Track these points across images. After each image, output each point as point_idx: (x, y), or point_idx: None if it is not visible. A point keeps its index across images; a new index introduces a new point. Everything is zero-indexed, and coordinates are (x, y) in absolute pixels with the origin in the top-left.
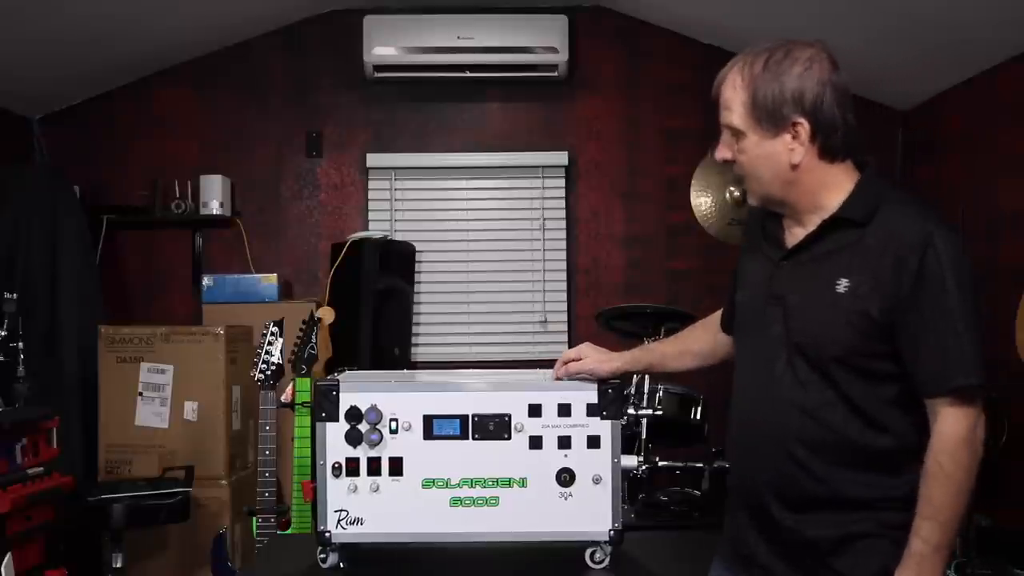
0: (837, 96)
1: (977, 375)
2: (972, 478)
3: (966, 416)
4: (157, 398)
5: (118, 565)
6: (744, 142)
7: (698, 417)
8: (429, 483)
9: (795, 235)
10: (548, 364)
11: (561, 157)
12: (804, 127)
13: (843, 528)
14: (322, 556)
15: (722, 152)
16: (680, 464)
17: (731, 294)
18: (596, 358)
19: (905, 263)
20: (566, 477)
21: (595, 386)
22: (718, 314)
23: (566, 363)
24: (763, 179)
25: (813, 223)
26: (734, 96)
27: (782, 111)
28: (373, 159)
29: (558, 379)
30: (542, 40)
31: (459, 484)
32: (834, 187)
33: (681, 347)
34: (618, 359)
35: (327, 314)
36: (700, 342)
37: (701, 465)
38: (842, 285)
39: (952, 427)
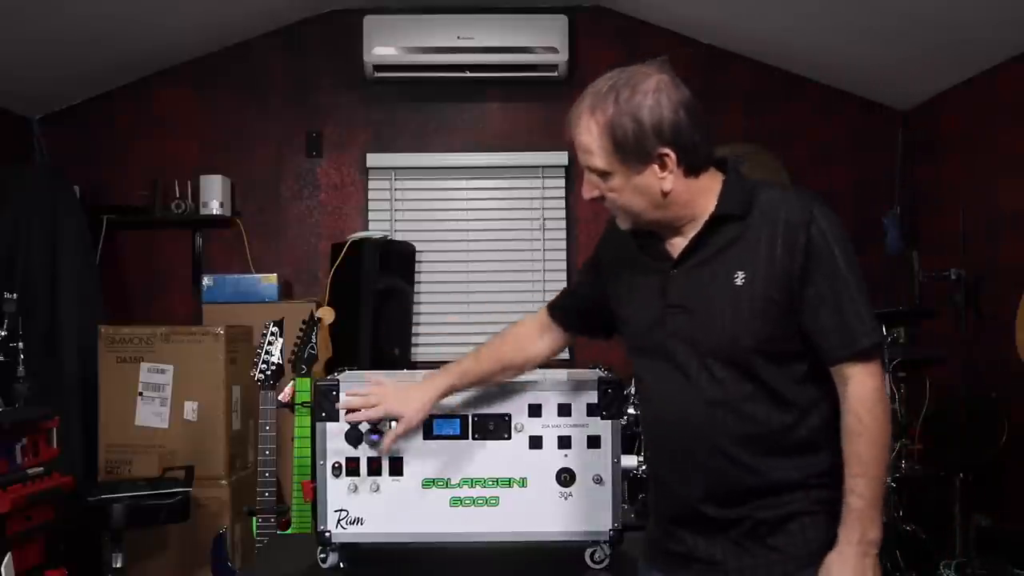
0: (691, 115)
1: (877, 333)
2: (889, 431)
3: (873, 373)
4: (157, 398)
5: (118, 565)
6: (612, 181)
7: None
8: (429, 483)
9: (676, 244)
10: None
11: (561, 157)
12: (670, 156)
13: (780, 509)
14: (322, 556)
15: (589, 192)
16: None
17: (578, 301)
18: (411, 417)
19: (793, 242)
20: (566, 477)
21: (595, 386)
22: (532, 319)
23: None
24: (635, 209)
25: (693, 230)
26: (591, 140)
27: (645, 146)
28: (373, 159)
29: (387, 451)
30: (542, 40)
31: (459, 484)
32: (704, 194)
33: (500, 365)
34: (429, 398)
35: (327, 314)
36: (516, 354)
37: None
38: (739, 278)
39: (864, 385)
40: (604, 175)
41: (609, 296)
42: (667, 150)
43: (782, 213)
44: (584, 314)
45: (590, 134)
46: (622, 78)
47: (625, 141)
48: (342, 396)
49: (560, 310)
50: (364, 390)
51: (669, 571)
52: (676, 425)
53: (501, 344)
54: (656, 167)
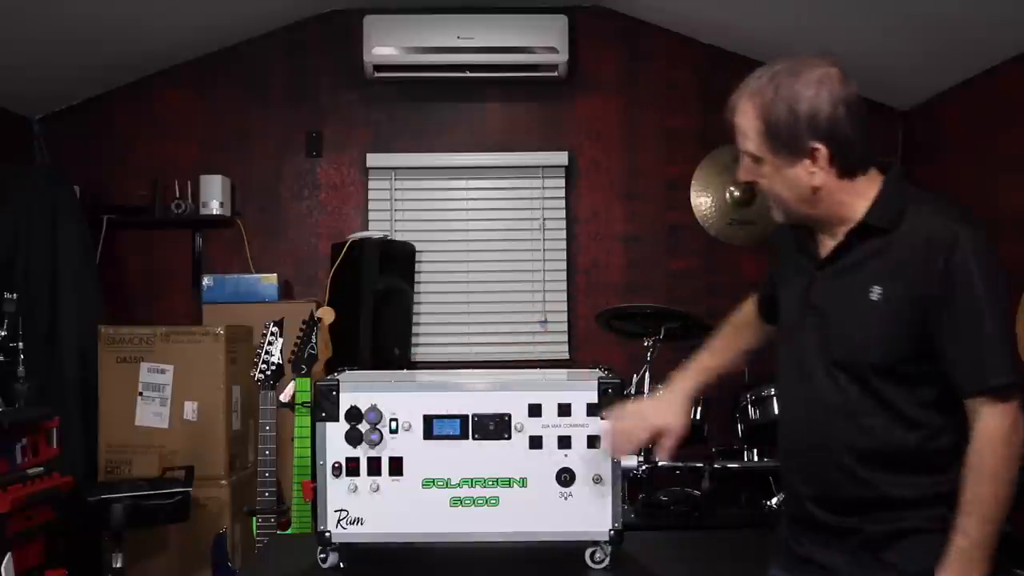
0: (851, 113)
1: (1010, 373)
2: (1013, 474)
3: (1003, 414)
4: (157, 398)
5: (118, 565)
6: (763, 167)
7: (698, 417)
8: (429, 483)
9: (827, 246)
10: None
11: (561, 157)
12: (822, 152)
13: (892, 524)
14: (322, 556)
15: (745, 176)
16: (680, 464)
17: (769, 288)
18: (676, 418)
19: (933, 264)
20: (566, 477)
21: (595, 386)
22: (747, 312)
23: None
24: (786, 200)
25: (843, 234)
26: (747, 123)
27: (798, 137)
28: (373, 159)
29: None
30: (542, 40)
31: (459, 484)
32: (858, 197)
33: (734, 355)
34: (685, 407)
35: (327, 314)
36: (751, 341)
37: (701, 465)
38: (875, 293)
39: (991, 424)
40: (756, 160)
41: (778, 286)
42: (819, 145)
43: (927, 233)
44: (774, 306)
45: (746, 117)
46: (787, 66)
47: (778, 130)
48: (345, 396)
49: (761, 304)
50: (620, 424)
51: (789, 570)
52: (799, 424)
53: (735, 334)
54: (807, 161)
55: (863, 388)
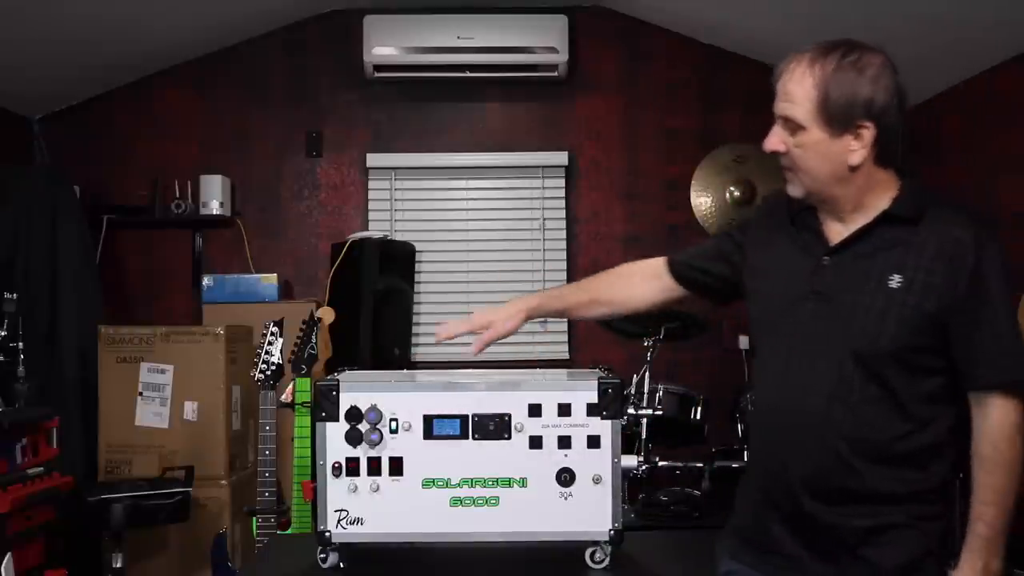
0: (902, 106)
1: None
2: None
3: (1017, 407)
4: (157, 398)
5: (118, 565)
6: (803, 136)
7: (698, 417)
8: (429, 483)
9: (836, 231)
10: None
11: (561, 157)
12: (869, 131)
13: (875, 519)
14: (322, 556)
15: (773, 144)
16: (680, 464)
17: (708, 261)
18: (499, 320)
19: (961, 263)
20: (566, 477)
21: (595, 386)
22: (646, 263)
23: (474, 331)
24: (816, 174)
25: (855, 221)
26: (800, 90)
27: (851, 114)
28: (373, 159)
29: (476, 353)
30: (542, 40)
31: (459, 484)
32: (881, 189)
33: (591, 296)
34: (519, 314)
35: (327, 314)
36: (613, 291)
37: (701, 465)
38: (895, 281)
39: (1008, 416)
40: (797, 129)
41: (746, 267)
42: (869, 124)
43: (955, 230)
44: (706, 272)
45: (802, 84)
46: (852, 44)
47: (836, 102)
48: (345, 396)
49: (681, 263)
50: (478, 321)
51: (747, 561)
52: (791, 412)
53: (600, 278)
54: (850, 138)
55: (869, 377)
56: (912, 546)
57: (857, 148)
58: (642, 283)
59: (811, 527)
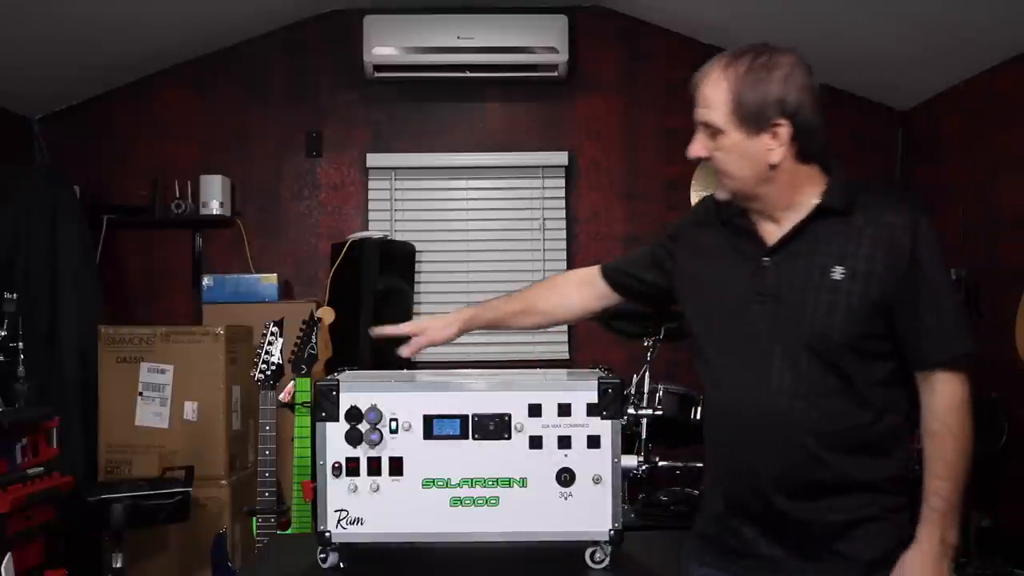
0: (815, 103)
1: (972, 343)
2: (972, 437)
3: (963, 381)
4: (157, 398)
5: (118, 565)
6: (722, 139)
7: (698, 417)
8: (429, 483)
9: (770, 232)
10: (548, 364)
11: (561, 157)
12: (785, 129)
13: (850, 513)
14: (322, 556)
15: (696, 150)
16: (680, 464)
17: (642, 269)
18: (435, 327)
19: (899, 244)
20: (566, 477)
21: (595, 386)
22: (580, 272)
23: (408, 338)
24: (739, 176)
25: (789, 219)
26: (715, 95)
27: (765, 113)
28: (373, 159)
29: (408, 356)
30: (542, 40)
31: (459, 484)
32: (808, 185)
33: (523, 305)
34: (455, 323)
35: (327, 314)
36: (545, 301)
37: (701, 465)
38: (838, 272)
39: (954, 391)
40: (716, 133)
41: (679, 274)
42: (783, 122)
43: (889, 216)
44: (640, 280)
45: (717, 88)
46: (762, 47)
47: (748, 103)
48: (345, 396)
49: (614, 269)
50: (408, 327)
51: (719, 566)
52: (752, 415)
53: (533, 287)
54: (768, 137)
55: (826, 369)
56: (886, 539)
57: (775, 146)
58: (576, 291)
59: (784, 525)
